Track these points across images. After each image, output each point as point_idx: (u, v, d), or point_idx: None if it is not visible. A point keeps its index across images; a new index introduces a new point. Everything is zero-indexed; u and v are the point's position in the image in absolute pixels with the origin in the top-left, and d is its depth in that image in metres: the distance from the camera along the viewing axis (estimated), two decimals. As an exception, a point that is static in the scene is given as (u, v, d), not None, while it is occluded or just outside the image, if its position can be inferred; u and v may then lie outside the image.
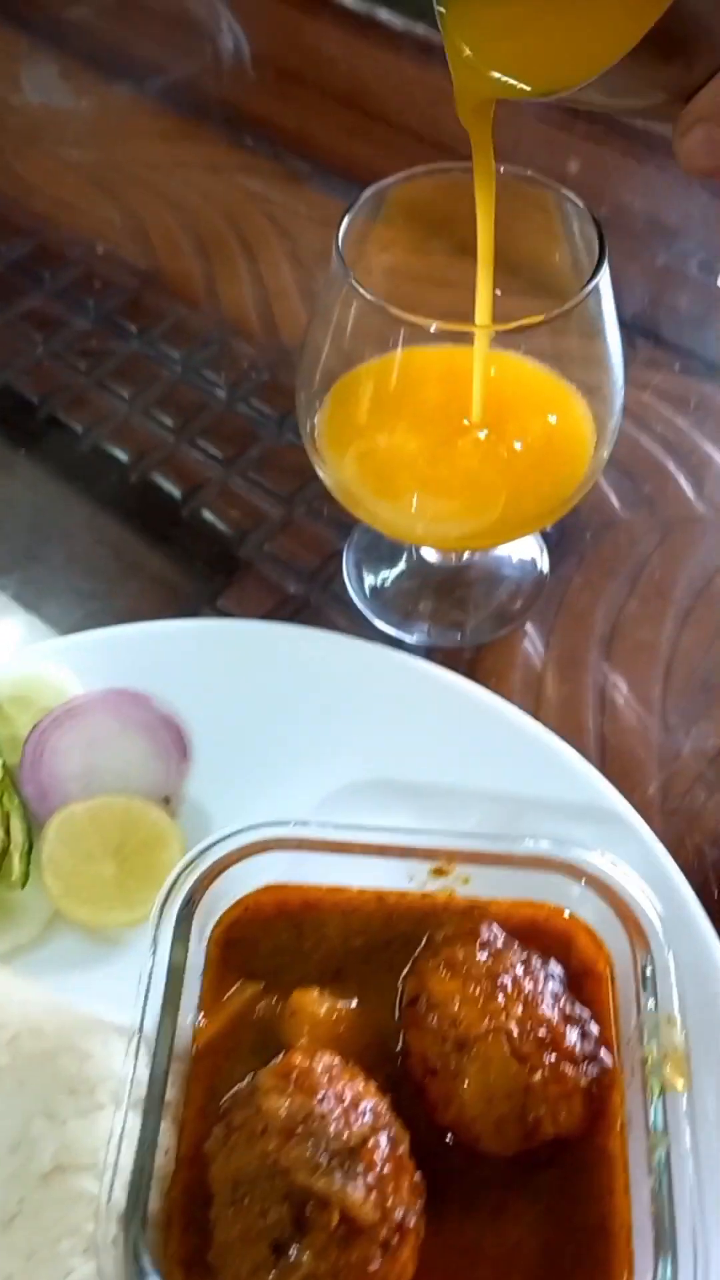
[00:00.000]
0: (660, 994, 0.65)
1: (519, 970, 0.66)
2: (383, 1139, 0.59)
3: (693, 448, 1.05)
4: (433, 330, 0.70)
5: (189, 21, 1.48)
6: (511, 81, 0.65)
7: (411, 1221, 0.58)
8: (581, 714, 0.90)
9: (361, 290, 0.72)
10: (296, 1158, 0.57)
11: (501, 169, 0.79)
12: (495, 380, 0.83)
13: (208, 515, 1.03)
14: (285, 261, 1.22)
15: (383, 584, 0.97)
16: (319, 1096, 0.59)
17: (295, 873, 0.73)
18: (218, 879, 0.70)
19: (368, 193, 0.77)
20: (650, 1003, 0.65)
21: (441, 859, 0.71)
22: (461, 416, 0.82)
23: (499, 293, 0.74)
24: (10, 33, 1.48)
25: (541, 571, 0.97)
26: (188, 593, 0.99)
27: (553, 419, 0.81)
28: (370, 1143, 0.58)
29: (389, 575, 0.97)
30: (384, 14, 1.44)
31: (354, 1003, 0.69)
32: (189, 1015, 0.68)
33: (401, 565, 0.97)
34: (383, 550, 0.98)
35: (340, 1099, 0.60)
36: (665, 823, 0.85)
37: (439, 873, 0.72)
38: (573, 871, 0.70)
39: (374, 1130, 0.59)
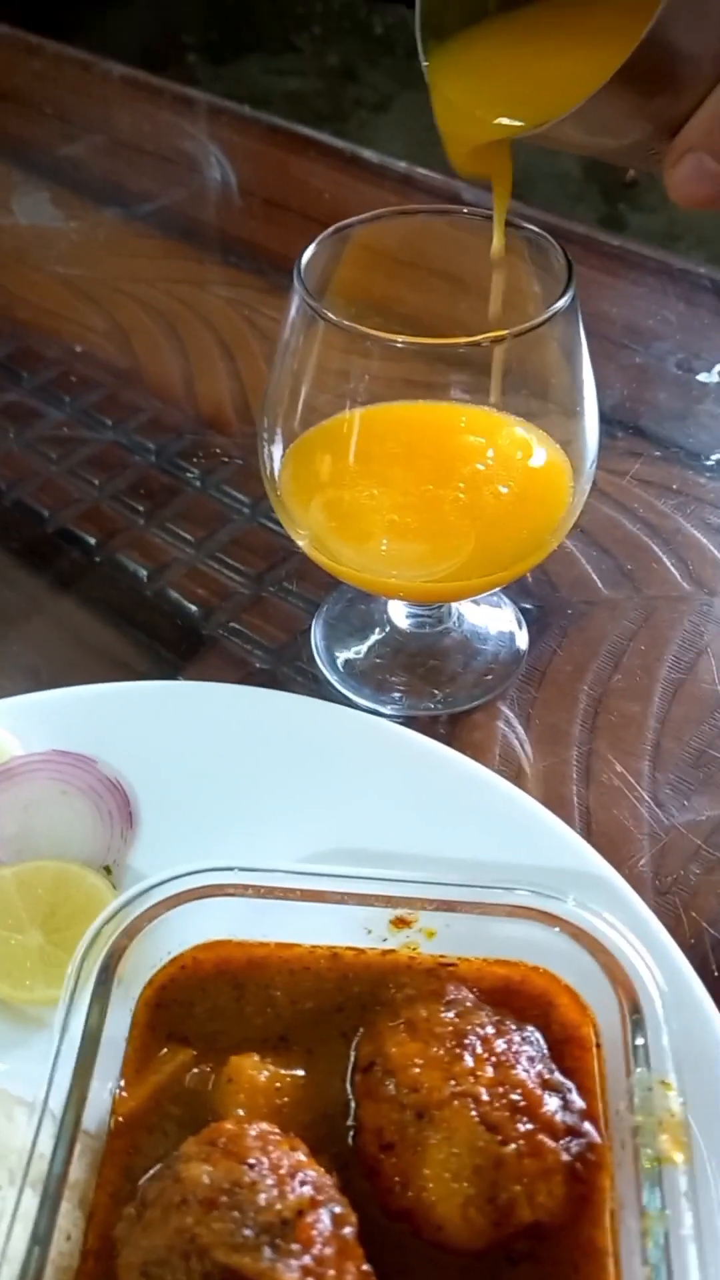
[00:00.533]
0: (654, 1054, 0.56)
1: (490, 1030, 0.57)
2: (324, 1214, 0.49)
3: (676, 528, 1.01)
4: (399, 345, 0.68)
5: (179, 158, 1.53)
6: (499, 120, 0.66)
7: (356, 1316, 0.48)
8: (565, 787, 0.83)
9: (328, 315, 0.70)
10: (219, 1231, 0.47)
11: (465, 210, 0.79)
12: (466, 428, 0.80)
13: (173, 594, 0.99)
14: (264, 362, 1.21)
15: (354, 656, 0.91)
16: (249, 1162, 0.50)
17: (239, 927, 0.64)
18: (149, 932, 0.62)
19: (330, 230, 0.76)
20: (642, 1065, 0.56)
21: (403, 907, 0.63)
22: (432, 459, 0.79)
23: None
24: (4, 165, 1.53)
25: (519, 646, 0.91)
26: (145, 669, 0.93)
27: (525, 456, 0.78)
28: (310, 1216, 0.48)
29: (360, 647, 0.91)
30: (367, 153, 1.50)
31: (300, 1072, 0.59)
32: (108, 1085, 0.58)
33: (373, 636, 0.92)
34: (353, 621, 0.93)
35: (276, 1167, 0.50)
36: (658, 900, 0.77)
37: (400, 924, 0.63)
38: (552, 922, 0.61)
39: (313, 1204, 0.49)
